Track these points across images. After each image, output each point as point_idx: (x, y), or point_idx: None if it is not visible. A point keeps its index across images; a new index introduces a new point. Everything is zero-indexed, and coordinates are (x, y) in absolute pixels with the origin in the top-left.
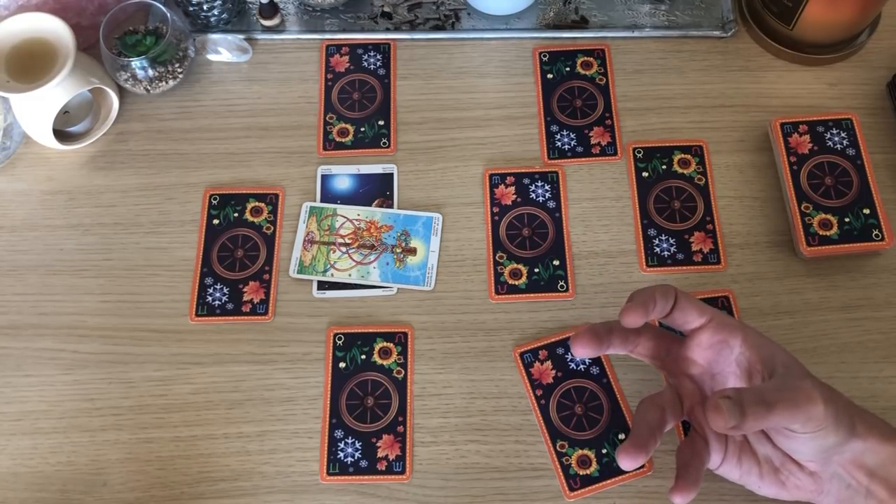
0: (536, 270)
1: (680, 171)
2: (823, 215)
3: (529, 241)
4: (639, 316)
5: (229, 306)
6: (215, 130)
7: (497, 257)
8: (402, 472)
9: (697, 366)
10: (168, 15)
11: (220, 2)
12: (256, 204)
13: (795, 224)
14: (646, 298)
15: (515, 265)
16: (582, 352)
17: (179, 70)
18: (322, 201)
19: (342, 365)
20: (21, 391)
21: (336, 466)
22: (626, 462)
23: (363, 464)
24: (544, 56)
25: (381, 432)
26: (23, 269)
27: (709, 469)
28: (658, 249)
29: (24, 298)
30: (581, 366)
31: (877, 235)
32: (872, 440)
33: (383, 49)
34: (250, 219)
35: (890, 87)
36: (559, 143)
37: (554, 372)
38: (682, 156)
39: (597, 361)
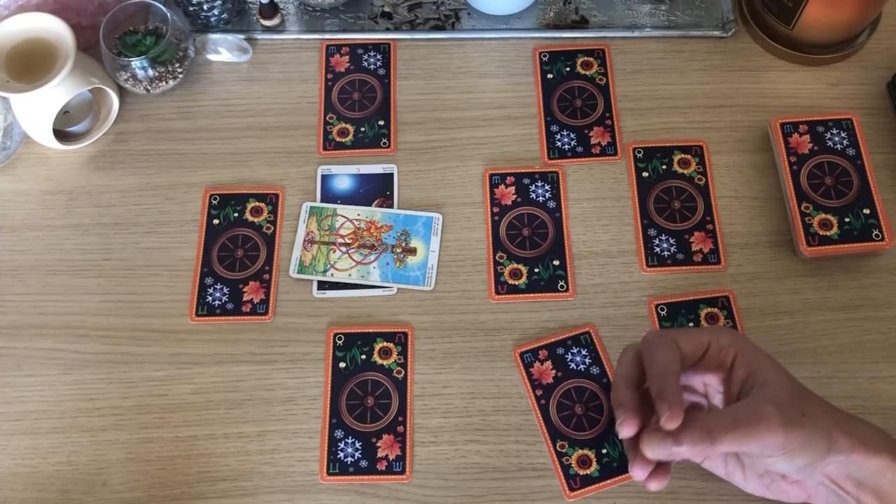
0: (536, 270)
1: (680, 171)
2: (823, 215)
3: (529, 241)
4: (677, 414)
5: (229, 306)
6: (215, 130)
7: (497, 257)
8: (402, 472)
9: (699, 385)
10: (168, 15)
11: (220, 2)
12: (256, 204)
13: (795, 224)
14: (672, 387)
15: (515, 265)
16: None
17: (179, 70)
18: (322, 201)
19: (342, 365)
20: (21, 391)
21: (336, 466)
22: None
23: (363, 464)
24: (544, 56)
25: (381, 432)
26: (23, 269)
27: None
28: (658, 249)
29: (24, 298)
30: (581, 366)
31: (877, 235)
32: (857, 455)
33: (383, 49)
34: (250, 219)
35: (890, 87)
36: (559, 143)
37: (554, 372)
38: (682, 156)
39: (597, 361)
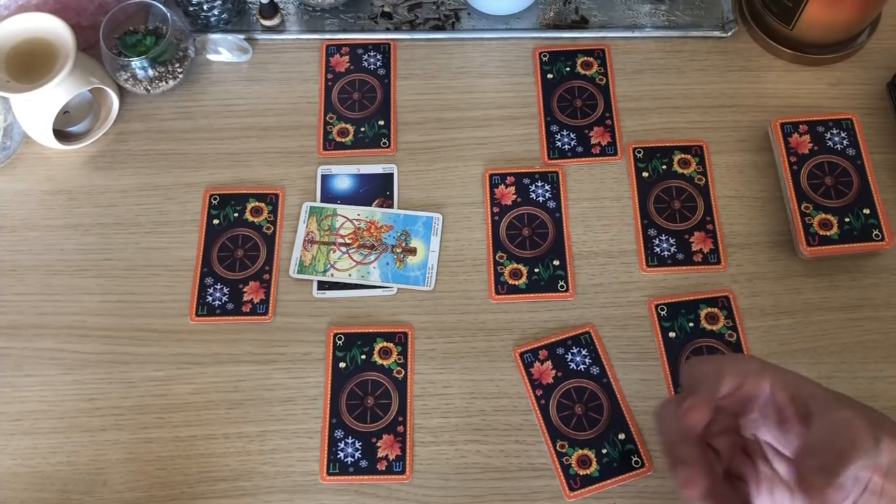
0: (536, 270)
1: (680, 171)
2: (823, 215)
3: (529, 241)
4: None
5: (229, 306)
6: (215, 130)
7: (497, 257)
8: (402, 472)
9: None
10: (168, 15)
11: (220, 2)
12: (256, 204)
13: (795, 224)
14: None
15: (515, 265)
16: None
17: (179, 70)
18: (322, 201)
19: (342, 365)
20: (21, 391)
21: (336, 466)
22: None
23: (363, 464)
24: (544, 56)
25: (381, 432)
26: (23, 269)
27: None
28: (658, 249)
29: (24, 298)
30: (581, 366)
31: (877, 235)
32: (885, 442)
33: (383, 49)
34: (250, 219)
35: (890, 87)
36: (559, 143)
37: (554, 372)
38: (682, 156)
39: (597, 361)
